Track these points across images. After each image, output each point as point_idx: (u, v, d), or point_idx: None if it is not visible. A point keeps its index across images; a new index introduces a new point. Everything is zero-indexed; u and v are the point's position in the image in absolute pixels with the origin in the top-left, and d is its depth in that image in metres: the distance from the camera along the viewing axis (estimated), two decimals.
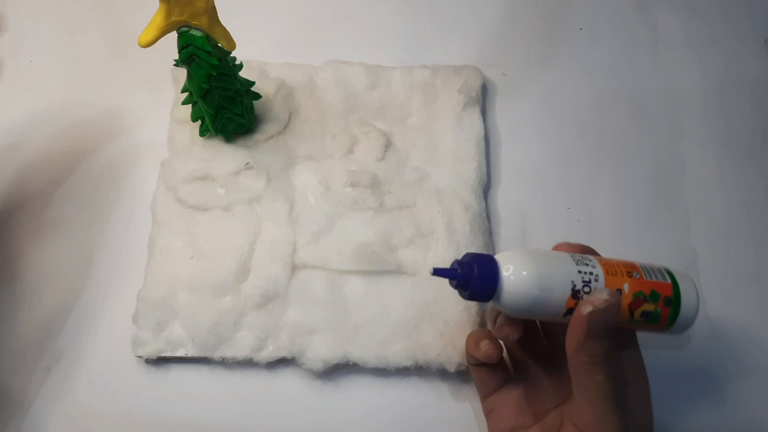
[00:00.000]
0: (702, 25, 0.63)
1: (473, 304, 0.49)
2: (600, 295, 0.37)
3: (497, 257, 0.40)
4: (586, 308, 0.37)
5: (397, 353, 0.48)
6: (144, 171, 0.54)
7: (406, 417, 0.48)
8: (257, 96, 0.53)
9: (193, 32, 0.43)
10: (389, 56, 0.59)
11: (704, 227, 0.55)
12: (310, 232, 0.50)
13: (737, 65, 0.62)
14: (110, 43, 0.60)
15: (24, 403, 0.47)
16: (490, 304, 0.44)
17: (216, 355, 0.47)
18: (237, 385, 0.48)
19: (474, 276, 0.39)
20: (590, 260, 0.40)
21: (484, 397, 0.47)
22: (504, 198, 0.55)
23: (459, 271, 0.40)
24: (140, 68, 0.58)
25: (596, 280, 0.39)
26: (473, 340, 0.44)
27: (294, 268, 0.50)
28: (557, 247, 0.42)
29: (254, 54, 0.54)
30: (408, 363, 0.48)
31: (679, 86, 0.61)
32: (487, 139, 0.56)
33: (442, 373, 0.49)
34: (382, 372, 0.48)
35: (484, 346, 0.43)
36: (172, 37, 0.43)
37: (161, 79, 0.56)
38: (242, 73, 0.50)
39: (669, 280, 0.41)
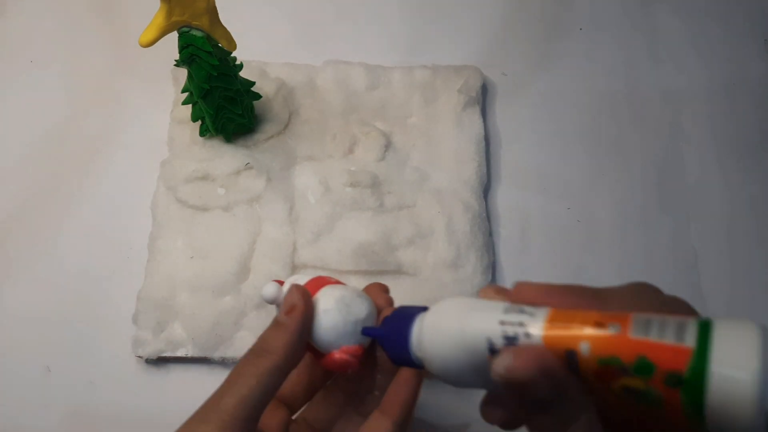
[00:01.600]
0: (702, 26, 0.63)
1: None
2: (506, 357, 0.26)
3: (430, 310, 0.32)
4: (498, 369, 0.26)
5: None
6: (144, 171, 0.54)
7: None
8: (257, 96, 0.53)
9: (194, 32, 0.43)
10: (389, 56, 0.59)
11: (704, 228, 0.55)
12: (310, 232, 0.50)
13: (737, 65, 0.62)
14: (110, 43, 0.60)
15: (24, 403, 0.47)
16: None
17: (216, 355, 0.47)
18: None
19: (390, 337, 0.33)
20: (528, 309, 0.28)
21: None
22: (504, 198, 0.55)
23: (384, 330, 0.34)
24: (140, 68, 0.58)
25: (527, 336, 0.27)
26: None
27: (294, 268, 0.50)
28: (517, 288, 0.31)
29: (254, 54, 0.54)
30: None
31: (679, 86, 0.61)
32: (487, 139, 0.56)
33: None
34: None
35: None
36: (173, 37, 0.43)
37: (161, 79, 0.56)
38: (242, 74, 0.50)
39: (689, 344, 0.23)
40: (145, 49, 0.43)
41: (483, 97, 0.58)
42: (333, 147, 0.54)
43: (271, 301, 0.36)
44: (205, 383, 0.48)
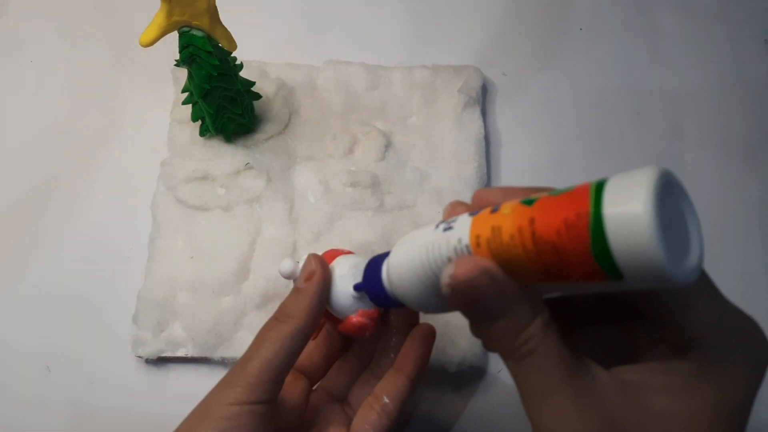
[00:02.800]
0: (702, 25, 0.63)
1: None
2: (449, 268, 0.27)
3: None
4: (443, 285, 0.27)
5: None
6: (144, 171, 0.53)
7: (405, 416, 0.48)
8: (257, 96, 0.53)
9: (194, 32, 0.43)
10: (389, 56, 0.59)
11: (705, 228, 0.55)
12: (310, 232, 0.50)
13: (738, 65, 0.62)
14: (110, 43, 0.60)
15: (24, 403, 0.47)
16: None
17: (216, 355, 0.47)
18: None
19: (367, 286, 0.35)
20: (456, 221, 0.29)
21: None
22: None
23: (363, 281, 0.36)
24: (140, 68, 0.58)
25: (458, 244, 0.28)
26: None
27: None
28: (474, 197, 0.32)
29: (254, 54, 0.54)
30: None
31: (679, 86, 0.61)
32: (487, 139, 0.56)
33: (442, 373, 0.49)
34: None
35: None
36: (172, 37, 0.43)
37: (161, 79, 0.56)
38: (242, 73, 0.50)
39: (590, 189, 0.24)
40: (145, 49, 0.42)
41: (483, 97, 0.58)
42: (333, 147, 0.54)
43: (288, 276, 0.37)
44: (206, 383, 0.48)
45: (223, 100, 0.49)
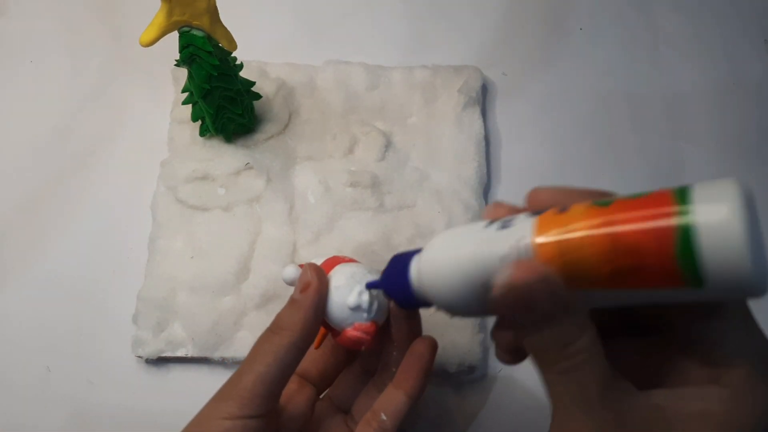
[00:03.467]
0: (703, 25, 0.63)
1: None
2: (506, 270, 0.26)
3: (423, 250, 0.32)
4: (498, 291, 0.26)
5: None
6: (144, 171, 0.53)
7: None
8: (257, 96, 0.53)
9: (195, 32, 0.43)
10: (389, 56, 0.59)
11: None
12: (310, 232, 0.50)
13: (738, 65, 0.62)
14: (110, 43, 0.60)
15: (24, 403, 0.47)
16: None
17: (216, 355, 0.47)
18: None
19: (391, 282, 0.34)
20: (512, 222, 0.28)
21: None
22: (504, 198, 0.54)
23: (384, 280, 0.34)
24: (140, 68, 0.58)
25: (518, 248, 0.27)
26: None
27: None
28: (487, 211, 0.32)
29: (254, 54, 0.54)
30: None
31: (679, 86, 0.61)
32: (487, 139, 0.56)
33: (442, 373, 0.49)
34: None
35: (499, 353, 0.32)
36: (172, 37, 0.43)
37: (161, 79, 0.56)
38: (242, 73, 0.50)
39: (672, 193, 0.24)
40: (145, 49, 0.42)
41: (483, 97, 0.58)
42: (333, 147, 0.54)
43: (291, 283, 0.37)
44: (206, 383, 0.48)
45: (223, 100, 0.49)
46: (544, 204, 0.28)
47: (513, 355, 0.31)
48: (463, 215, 0.52)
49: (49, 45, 0.59)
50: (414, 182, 0.53)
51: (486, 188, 0.55)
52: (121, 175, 0.54)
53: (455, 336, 0.48)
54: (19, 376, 0.48)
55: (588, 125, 0.59)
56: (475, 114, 0.56)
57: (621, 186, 0.56)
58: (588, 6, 0.64)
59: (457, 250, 0.29)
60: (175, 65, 0.46)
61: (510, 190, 0.56)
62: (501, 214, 0.30)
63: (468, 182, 0.53)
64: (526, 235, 0.26)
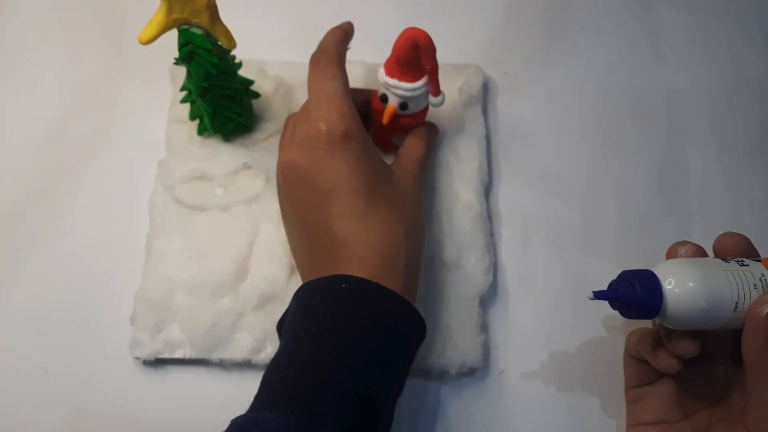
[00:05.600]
0: (705, 24, 0.63)
1: (475, 307, 0.49)
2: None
3: (654, 271, 0.39)
4: (763, 309, 0.37)
5: None
6: (141, 170, 0.53)
7: (406, 418, 0.48)
8: (256, 95, 0.53)
9: (194, 30, 0.43)
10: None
11: (707, 228, 0.55)
12: None
13: (741, 64, 0.62)
14: (108, 42, 0.59)
15: (21, 404, 0.47)
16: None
17: (214, 356, 0.47)
18: (235, 387, 0.48)
19: (637, 294, 0.39)
20: (746, 261, 0.40)
21: (633, 387, 0.46)
22: (505, 198, 0.55)
23: (620, 291, 0.39)
24: (138, 66, 0.57)
25: (762, 282, 0.39)
26: (648, 344, 0.43)
27: (293, 268, 0.49)
28: (719, 242, 0.42)
29: (253, 52, 0.54)
30: None
31: (681, 85, 0.61)
32: (488, 138, 0.56)
33: (442, 375, 0.48)
34: None
35: (665, 357, 0.41)
36: (169, 35, 0.43)
37: (159, 78, 0.56)
38: (241, 72, 0.50)
39: None
40: (143, 47, 0.42)
41: (484, 96, 0.58)
42: None
43: None
44: (203, 385, 0.48)
45: (222, 99, 0.49)
46: (730, 248, 0.41)
47: (680, 362, 0.41)
48: (464, 215, 0.51)
49: (46, 43, 0.59)
50: None
51: (487, 188, 0.54)
52: (118, 175, 0.54)
53: (456, 338, 0.48)
54: (16, 377, 0.48)
55: (590, 124, 0.59)
56: (476, 113, 0.56)
57: (623, 186, 0.56)
58: (589, 4, 0.64)
59: (716, 275, 0.38)
60: (174, 63, 0.45)
61: (511, 189, 0.55)
62: (681, 253, 0.41)
63: (469, 182, 0.53)
64: (765, 273, 0.39)
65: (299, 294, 0.42)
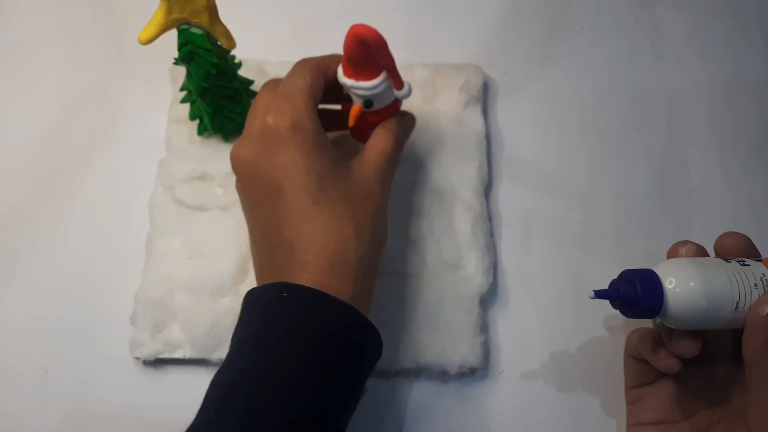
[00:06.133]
0: (705, 24, 0.63)
1: (475, 307, 0.49)
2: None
3: (655, 270, 0.40)
4: (764, 309, 0.37)
5: (398, 355, 0.47)
6: (141, 170, 0.53)
7: (406, 419, 0.48)
8: (256, 95, 0.52)
9: (193, 30, 0.43)
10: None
11: (707, 228, 0.54)
12: None
13: (740, 64, 0.62)
14: (108, 42, 0.59)
15: (21, 404, 0.47)
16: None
17: (214, 356, 0.47)
18: None
19: (638, 294, 0.39)
20: (747, 261, 0.40)
21: (633, 387, 0.46)
22: (505, 198, 0.55)
23: (621, 290, 0.39)
24: (138, 66, 0.57)
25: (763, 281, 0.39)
26: (648, 344, 0.43)
27: None
28: (720, 241, 0.42)
29: (253, 52, 0.53)
30: (408, 365, 0.47)
31: (681, 85, 0.60)
32: (488, 138, 0.56)
33: (442, 375, 0.48)
34: (381, 374, 0.48)
35: (665, 357, 0.41)
36: (169, 35, 0.43)
37: (159, 78, 0.56)
38: (241, 72, 0.50)
39: None
40: (143, 47, 0.42)
41: (484, 96, 0.58)
42: None
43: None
44: (203, 385, 0.48)
45: (222, 99, 0.49)
46: (727, 251, 0.41)
47: (680, 361, 0.41)
48: (464, 215, 0.51)
49: (46, 43, 0.59)
50: (414, 181, 0.53)
51: (487, 188, 0.54)
52: (118, 175, 0.54)
53: (456, 338, 0.48)
54: (16, 377, 0.48)
55: (590, 124, 0.58)
56: (476, 113, 0.56)
57: (623, 186, 0.56)
58: (589, 4, 0.64)
59: (717, 274, 0.39)
60: (174, 63, 0.45)
61: (512, 189, 0.55)
62: (682, 253, 0.41)
63: (469, 182, 0.53)
64: (766, 272, 0.39)
65: (244, 301, 0.40)
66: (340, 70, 0.45)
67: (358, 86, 0.44)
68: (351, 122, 0.46)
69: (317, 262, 0.39)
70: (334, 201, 0.41)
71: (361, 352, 0.39)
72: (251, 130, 0.43)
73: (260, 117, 0.42)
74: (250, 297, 0.40)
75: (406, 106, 0.50)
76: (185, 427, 0.36)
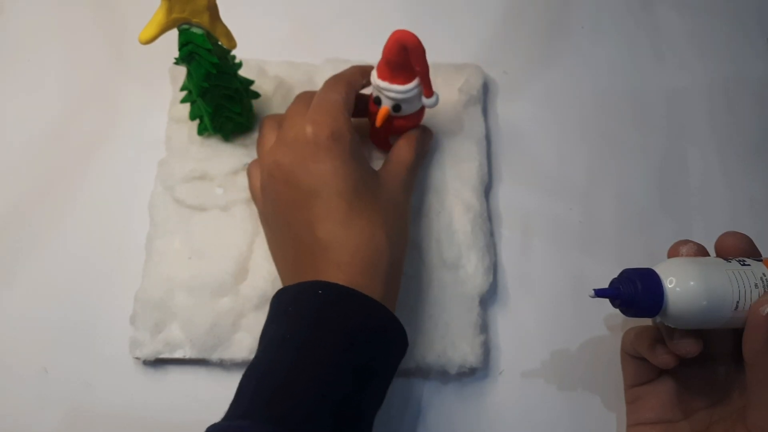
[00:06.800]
0: (705, 24, 0.63)
1: (474, 307, 0.49)
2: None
3: (656, 269, 0.40)
4: (764, 308, 0.37)
5: None
6: (141, 170, 0.53)
7: (406, 419, 0.48)
8: (256, 95, 0.52)
9: (194, 30, 0.43)
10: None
11: (708, 228, 0.55)
12: None
13: (740, 64, 0.62)
14: (108, 41, 0.59)
15: (21, 404, 0.47)
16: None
17: (214, 356, 0.47)
18: (235, 387, 0.47)
19: (638, 293, 0.39)
20: (748, 261, 0.40)
21: (632, 386, 0.46)
22: (505, 198, 0.55)
23: (621, 289, 0.39)
24: (138, 66, 0.57)
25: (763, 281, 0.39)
26: (645, 341, 0.43)
27: None
28: (720, 241, 0.42)
29: (253, 52, 0.53)
30: (408, 365, 0.47)
31: (681, 85, 0.61)
32: (488, 138, 0.56)
33: (442, 375, 0.48)
34: None
35: (662, 353, 0.42)
36: (170, 35, 0.43)
37: (159, 78, 0.56)
38: (241, 72, 0.50)
39: None
40: (143, 47, 0.42)
41: (484, 96, 0.58)
42: None
43: None
44: (204, 385, 0.48)
45: (222, 99, 0.49)
46: (728, 250, 0.41)
47: (677, 358, 0.41)
48: (464, 215, 0.51)
49: (46, 43, 0.59)
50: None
51: (487, 188, 0.54)
52: (118, 175, 0.54)
53: (456, 338, 0.48)
54: (16, 377, 0.48)
55: (590, 124, 0.58)
56: (476, 113, 0.56)
57: (623, 186, 0.56)
58: (589, 4, 0.64)
59: (718, 274, 0.39)
60: (174, 63, 0.45)
61: (511, 189, 0.55)
62: (683, 252, 0.42)
63: (469, 181, 0.53)
64: (766, 272, 0.39)
65: (276, 299, 0.42)
66: (374, 73, 0.47)
67: (392, 89, 0.46)
68: (378, 123, 0.48)
69: (352, 263, 0.41)
70: (369, 207, 0.43)
71: (391, 349, 0.41)
72: (288, 138, 0.45)
73: (298, 126, 0.44)
74: (283, 295, 0.42)
75: None
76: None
